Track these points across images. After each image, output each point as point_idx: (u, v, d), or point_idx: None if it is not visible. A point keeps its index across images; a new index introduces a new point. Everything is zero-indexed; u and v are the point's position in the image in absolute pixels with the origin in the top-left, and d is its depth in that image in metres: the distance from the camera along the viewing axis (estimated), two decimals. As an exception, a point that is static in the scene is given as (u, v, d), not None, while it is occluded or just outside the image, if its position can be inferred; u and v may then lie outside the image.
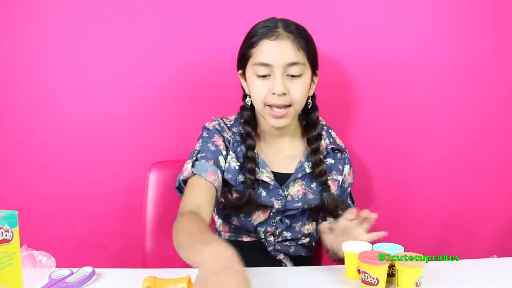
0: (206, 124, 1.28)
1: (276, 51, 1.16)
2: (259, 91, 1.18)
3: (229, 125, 1.28)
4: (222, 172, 1.22)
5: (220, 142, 1.24)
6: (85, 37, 1.51)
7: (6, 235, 0.88)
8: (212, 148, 1.23)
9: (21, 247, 0.95)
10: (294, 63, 1.16)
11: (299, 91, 1.18)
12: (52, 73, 1.52)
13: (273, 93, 1.16)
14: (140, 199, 1.44)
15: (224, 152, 1.23)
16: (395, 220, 1.61)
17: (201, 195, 1.16)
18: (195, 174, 1.18)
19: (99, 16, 1.50)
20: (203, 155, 1.21)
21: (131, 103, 1.54)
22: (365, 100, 1.57)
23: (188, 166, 1.20)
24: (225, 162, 1.23)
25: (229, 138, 1.26)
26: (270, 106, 1.18)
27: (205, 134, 1.26)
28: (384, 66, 1.56)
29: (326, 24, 1.53)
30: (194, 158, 1.21)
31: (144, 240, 1.43)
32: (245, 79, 1.24)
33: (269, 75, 1.17)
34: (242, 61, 1.23)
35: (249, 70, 1.20)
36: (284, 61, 1.16)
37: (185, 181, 1.21)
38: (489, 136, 1.60)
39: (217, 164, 1.21)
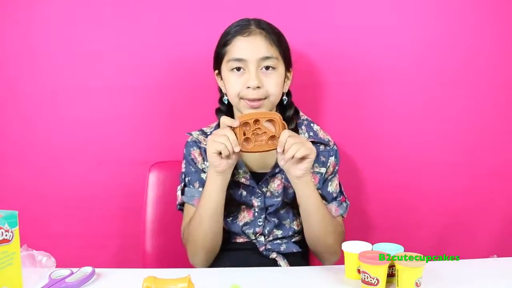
0: (188, 137, 1.33)
1: (250, 46, 1.20)
2: (234, 86, 1.21)
3: (208, 133, 1.31)
4: None
5: (197, 157, 1.30)
6: (85, 37, 1.51)
7: (6, 235, 0.88)
8: (193, 168, 1.30)
9: (21, 247, 0.95)
10: (267, 57, 1.20)
11: (273, 84, 1.21)
12: (52, 73, 1.52)
13: (248, 87, 1.19)
14: (140, 199, 1.44)
15: (203, 166, 1.29)
16: (395, 220, 1.61)
17: None
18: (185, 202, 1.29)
19: (99, 16, 1.50)
20: (189, 179, 1.30)
21: (131, 103, 1.54)
22: (365, 100, 1.57)
23: (179, 193, 1.30)
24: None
25: (205, 146, 1.28)
26: (245, 100, 1.21)
27: (186, 152, 1.32)
28: (384, 66, 1.56)
29: (326, 23, 1.53)
30: (183, 184, 1.30)
31: (144, 240, 1.43)
32: (221, 78, 1.27)
33: (244, 70, 1.21)
34: (217, 60, 1.26)
35: (224, 67, 1.24)
36: (257, 55, 1.19)
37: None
38: (489, 136, 1.60)
39: (202, 184, 1.26)
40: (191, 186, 1.29)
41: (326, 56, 1.54)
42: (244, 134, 1.11)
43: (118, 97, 1.54)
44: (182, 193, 1.29)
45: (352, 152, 1.56)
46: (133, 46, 1.52)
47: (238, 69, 1.21)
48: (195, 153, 1.30)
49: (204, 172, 1.29)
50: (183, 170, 1.32)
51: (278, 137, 1.09)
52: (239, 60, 1.20)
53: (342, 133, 1.53)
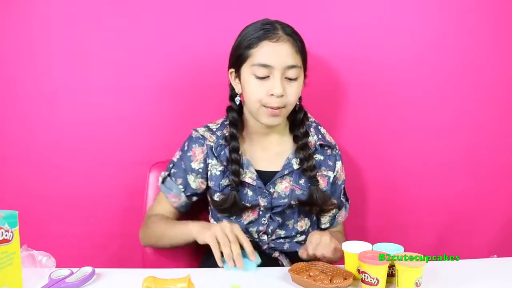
0: (193, 133, 1.32)
1: (277, 53, 1.18)
2: (257, 91, 1.20)
3: (214, 129, 1.31)
4: (192, 190, 1.30)
5: (197, 155, 1.29)
6: (85, 37, 1.51)
7: (6, 235, 0.88)
8: (184, 165, 1.29)
9: (21, 247, 0.95)
10: (292, 66, 1.19)
11: (295, 93, 1.21)
12: (52, 73, 1.52)
13: (271, 95, 1.18)
14: (140, 199, 1.44)
15: (199, 166, 1.29)
16: (395, 220, 1.61)
17: (164, 209, 1.33)
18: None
19: (99, 16, 1.50)
20: (175, 171, 1.31)
21: (131, 103, 1.54)
22: (366, 101, 1.57)
23: (161, 178, 1.33)
24: (197, 176, 1.29)
25: (212, 144, 1.28)
26: (266, 107, 1.20)
27: (185, 146, 1.32)
28: (384, 67, 1.56)
29: (327, 23, 1.53)
30: (167, 173, 1.32)
31: (144, 240, 1.43)
32: (237, 78, 1.26)
33: (267, 77, 1.19)
34: (238, 60, 1.23)
35: (246, 70, 1.21)
36: (284, 64, 1.18)
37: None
38: (489, 136, 1.60)
39: (184, 183, 1.30)
40: (173, 179, 1.30)
41: (327, 57, 1.53)
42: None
43: (118, 97, 1.54)
44: (163, 182, 1.32)
45: (353, 152, 1.56)
46: (133, 46, 1.52)
47: (262, 78, 1.19)
48: (196, 150, 1.29)
49: (197, 173, 1.28)
50: (174, 159, 1.33)
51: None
52: (265, 66, 1.18)
53: (343, 133, 1.54)
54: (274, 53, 1.18)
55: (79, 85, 1.52)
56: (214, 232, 1.10)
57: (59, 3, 1.49)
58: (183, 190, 1.29)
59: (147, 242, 1.34)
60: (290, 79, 1.20)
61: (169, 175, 1.31)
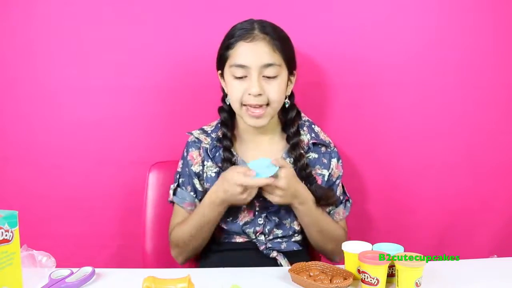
0: (188, 137, 1.33)
1: (252, 53, 1.19)
2: (236, 91, 1.21)
3: (209, 131, 1.32)
4: (201, 193, 1.30)
5: (195, 158, 1.30)
6: (85, 37, 1.51)
7: (6, 235, 0.88)
8: (188, 171, 1.31)
9: (21, 247, 0.95)
10: (269, 65, 1.19)
11: (275, 91, 1.21)
12: (52, 73, 1.52)
13: (249, 94, 1.19)
14: (140, 199, 1.44)
15: (199, 169, 1.29)
16: (395, 220, 1.61)
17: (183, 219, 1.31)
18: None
19: (98, 16, 1.50)
20: (183, 180, 1.32)
21: (131, 103, 1.54)
22: (366, 101, 1.57)
23: (171, 191, 1.32)
24: (200, 180, 1.30)
25: (207, 146, 1.29)
26: (246, 106, 1.21)
27: (184, 153, 1.33)
28: (383, 67, 1.55)
29: (327, 24, 1.53)
30: (176, 184, 1.32)
31: (144, 240, 1.43)
32: (223, 79, 1.28)
33: (246, 76, 1.20)
34: (221, 62, 1.26)
35: (227, 71, 1.24)
36: (259, 63, 1.19)
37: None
38: (489, 136, 1.60)
39: (193, 188, 1.31)
40: (183, 188, 1.31)
41: (327, 57, 1.53)
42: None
43: (118, 97, 1.54)
44: (174, 193, 1.31)
45: (353, 152, 1.56)
46: (133, 46, 1.52)
47: (240, 78, 1.20)
48: (193, 154, 1.30)
49: (198, 176, 1.29)
50: (179, 169, 1.33)
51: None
52: (241, 66, 1.19)
53: (343, 133, 1.53)
54: (249, 53, 1.19)
55: (79, 85, 1.52)
56: (236, 199, 1.18)
57: (59, 3, 1.49)
58: (195, 196, 1.30)
59: (185, 254, 1.30)
60: (269, 77, 1.20)
61: (178, 185, 1.31)
